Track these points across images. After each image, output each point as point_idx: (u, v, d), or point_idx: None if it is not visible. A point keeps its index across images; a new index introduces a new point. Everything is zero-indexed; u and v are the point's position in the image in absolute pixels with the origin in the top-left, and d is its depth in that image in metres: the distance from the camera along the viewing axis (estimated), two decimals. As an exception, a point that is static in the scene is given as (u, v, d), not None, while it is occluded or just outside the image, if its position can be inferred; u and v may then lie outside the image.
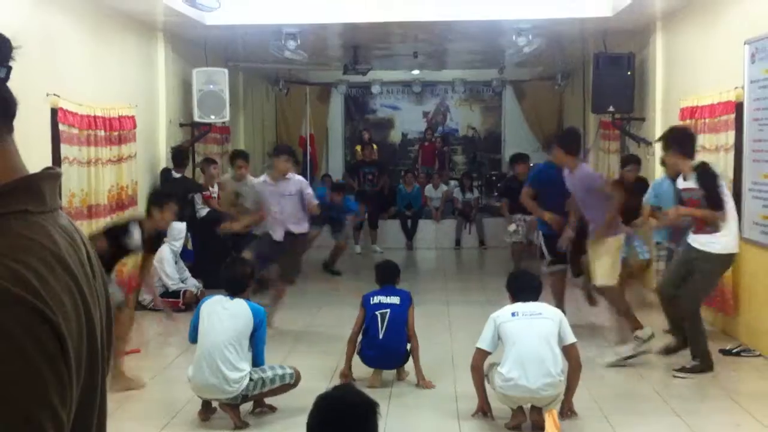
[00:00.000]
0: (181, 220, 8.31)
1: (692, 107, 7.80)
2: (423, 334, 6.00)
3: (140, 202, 8.15)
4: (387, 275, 5.99)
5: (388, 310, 5.73)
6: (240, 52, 11.74)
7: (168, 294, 8.13)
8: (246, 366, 4.83)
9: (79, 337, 1.01)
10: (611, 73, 9.74)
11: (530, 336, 4.71)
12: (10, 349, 0.91)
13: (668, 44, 9.13)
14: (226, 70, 10.18)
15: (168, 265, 8.33)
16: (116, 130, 7.88)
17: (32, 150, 5.02)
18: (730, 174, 6.86)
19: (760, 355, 6.32)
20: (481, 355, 4.88)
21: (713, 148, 7.30)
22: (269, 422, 5.10)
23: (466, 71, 15.59)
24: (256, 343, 4.96)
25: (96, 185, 7.41)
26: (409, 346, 5.75)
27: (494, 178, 15.31)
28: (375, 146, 14.81)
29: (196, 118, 9.96)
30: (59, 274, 1.00)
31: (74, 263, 1.05)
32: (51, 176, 1.10)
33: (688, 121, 7.85)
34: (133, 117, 8.30)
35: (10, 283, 0.93)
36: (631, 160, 8.51)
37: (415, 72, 15.66)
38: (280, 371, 5.00)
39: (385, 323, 5.68)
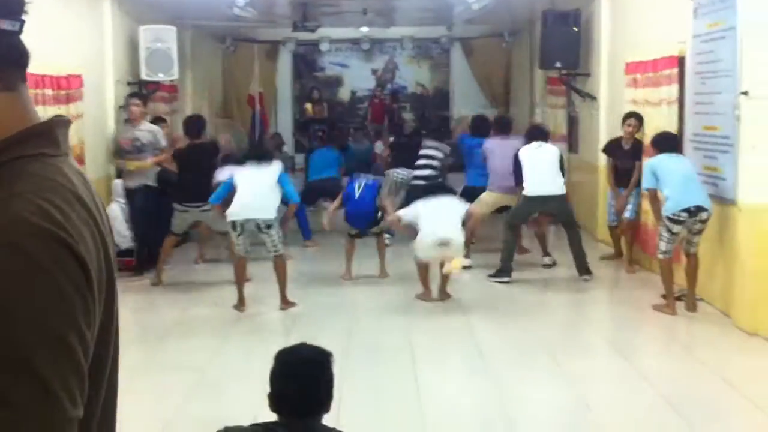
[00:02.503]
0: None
1: (637, 62, 8.00)
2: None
3: (88, 162, 8.08)
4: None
5: (364, 181, 7.96)
6: (187, 9, 11.56)
7: (120, 253, 8.09)
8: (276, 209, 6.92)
9: (99, 268, 1.08)
10: (558, 29, 9.90)
11: (439, 204, 6.96)
12: (42, 277, 0.99)
13: (614, 1, 9.30)
14: (174, 28, 10.03)
15: (119, 223, 8.29)
16: (63, 90, 7.76)
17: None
18: (674, 126, 7.11)
19: (702, 299, 6.65)
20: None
21: (656, 102, 7.53)
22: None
23: (415, 28, 15.60)
24: (283, 185, 6.89)
25: (44, 145, 7.30)
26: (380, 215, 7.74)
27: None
28: (325, 104, 14.81)
29: (144, 77, 9.83)
30: (78, 210, 1.08)
31: (89, 201, 1.13)
32: (63, 123, 1.18)
33: (632, 76, 8.06)
34: (80, 76, 8.16)
35: (38, 217, 1.01)
36: (631, 115, 7.99)
37: (364, 29, 15.61)
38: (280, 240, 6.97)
39: (361, 189, 7.83)
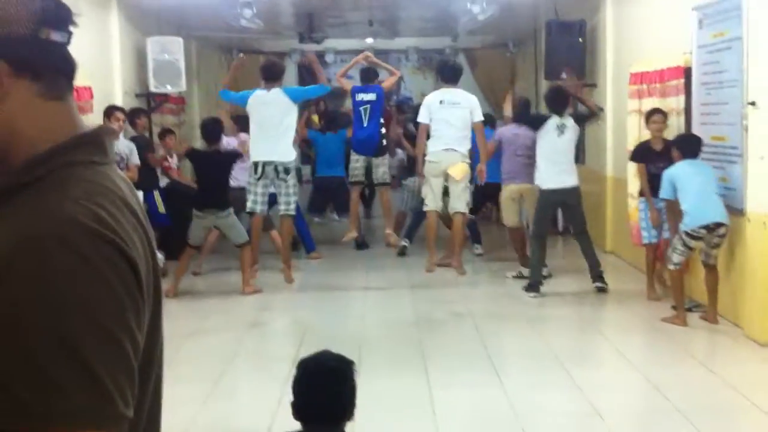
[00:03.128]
0: (138, 187, 8.39)
1: (642, 73, 8.03)
2: (384, 280, 7.92)
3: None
4: (370, 75, 9.14)
5: (369, 106, 8.70)
6: (193, 20, 11.63)
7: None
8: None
9: (147, 271, 1.12)
10: (563, 39, 9.93)
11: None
12: (97, 278, 1.02)
13: (618, 11, 9.35)
14: (180, 39, 10.10)
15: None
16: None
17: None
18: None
19: (698, 306, 6.70)
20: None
21: (663, 112, 7.54)
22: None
23: (420, 39, 15.66)
24: (298, 94, 8.07)
25: (55, 156, 7.34)
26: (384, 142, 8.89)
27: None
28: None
29: (152, 88, 9.88)
30: (127, 215, 1.12)
31: (136, 207, 1.17)
32: (110, 132, 1.23)
33: (638, 86, 8.09)
34: (89, 88, 8.22)
35: (91, 220, 1.05)
36: (654, 111, 7.22)
37: (369, 40, 15.66)
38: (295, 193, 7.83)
39: (368, 115, 8.69)
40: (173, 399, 5.00)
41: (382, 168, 8.97)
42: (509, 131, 8.49)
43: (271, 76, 7.86)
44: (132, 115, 8.97)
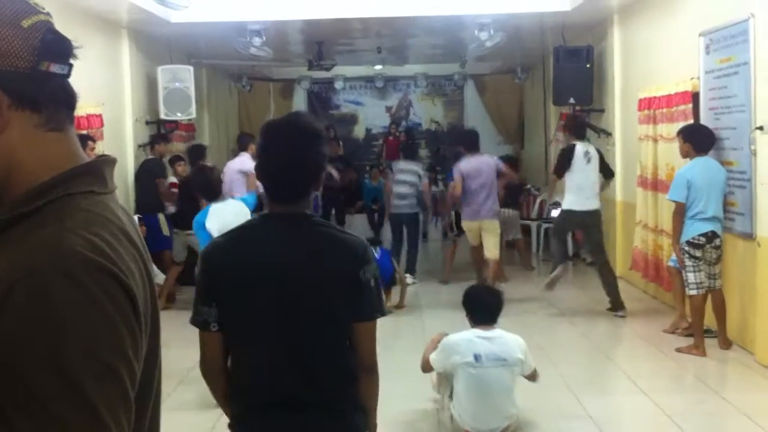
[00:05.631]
0: (144, 210, 8.59)
1: (650, 98, 8.04)
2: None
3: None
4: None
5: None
6: (203, 48, 11.75)
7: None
8: None
9: (145, 300, 1.13)
10: (571, 65, 9.97)
11: (491, 391, 4.43)
12: (95, 309, 1.03)
13: (625, 37, 9.38)
14: (191, 68, 10.20)
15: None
16: (84, 129, 7.88)
17: None
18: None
19: (708, 332, 6.59)
20: (430, 369, 4.71)
21: (671, 137, 7.54)
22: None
23: (428, 65, 15.76)
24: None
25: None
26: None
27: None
28: (340, 142, 14.94)
29: (162, 116, 9.97)
30: (125, 245, 1.13)
31: (135, 236, 1.18)
32: (110, 161, 1.24)
33: (646, 112, 8.10)
34: (100, 115, 8.31)
35: (89, 250, 1.05)
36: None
37: (378, 67, 15.79)
38: None
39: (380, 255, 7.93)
40: (181, 428, 5.01)
41: None
42: (469, 165, 8.43)
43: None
44: (152, 140, 9.38)
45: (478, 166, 8.39)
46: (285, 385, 2.18)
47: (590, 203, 7.82)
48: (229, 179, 8.49)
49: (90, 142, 8.00)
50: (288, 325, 2.17)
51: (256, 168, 2.29)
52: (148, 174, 9.00)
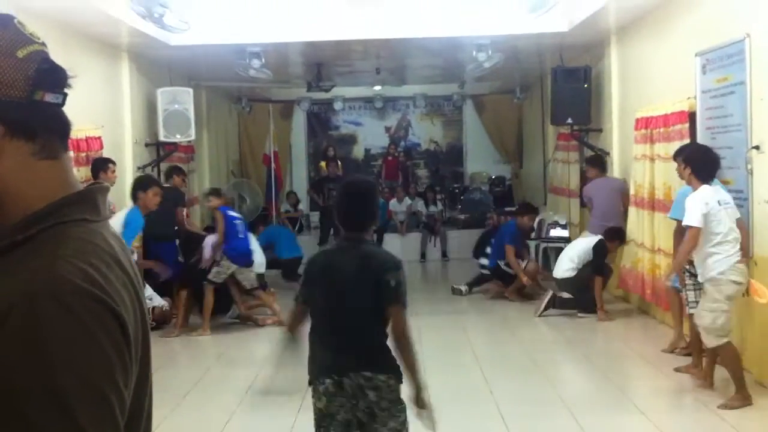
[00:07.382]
0: (163, 238, 8.66)
1: (647, 117, 8.08)
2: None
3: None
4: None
5: None
6: (203, 70, 11.81)
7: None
8: None
9: (135, 327, 1.14)
10: (568, 85, 10.02)
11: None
12: (86, 336, 1.05)
13: (623, 57, 9.44)
14: (190, 90, 10.25)
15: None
16: (84, 152, 7.92)
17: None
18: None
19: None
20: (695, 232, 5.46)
21: (668, 157, 7.56)
22: None
23: (427, 86, 15.83)
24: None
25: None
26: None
27: (457, 191, 15.58)
28: (339, 162, 14.98)
29: (162, 138, 10.01)
30: (117, 272, 1.14)
31: (126, 263, 1.19)
32: (103, 189, 1.26)
33: (643, 131, 8.13)
34: (99, 138, 8.34)
35: (81, 280, 1.07)
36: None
37: (377, 88, 15.85)
38: None
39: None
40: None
41: None
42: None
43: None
44: (168, 173, 9.51)
45: None
46: (334, 349, 3.33)
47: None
48: None
49: (111, 165, 8.07)
50: (338, 307, 3.35)
51: (336, 210, 3.47)
52: (167, 202, 8.95)
